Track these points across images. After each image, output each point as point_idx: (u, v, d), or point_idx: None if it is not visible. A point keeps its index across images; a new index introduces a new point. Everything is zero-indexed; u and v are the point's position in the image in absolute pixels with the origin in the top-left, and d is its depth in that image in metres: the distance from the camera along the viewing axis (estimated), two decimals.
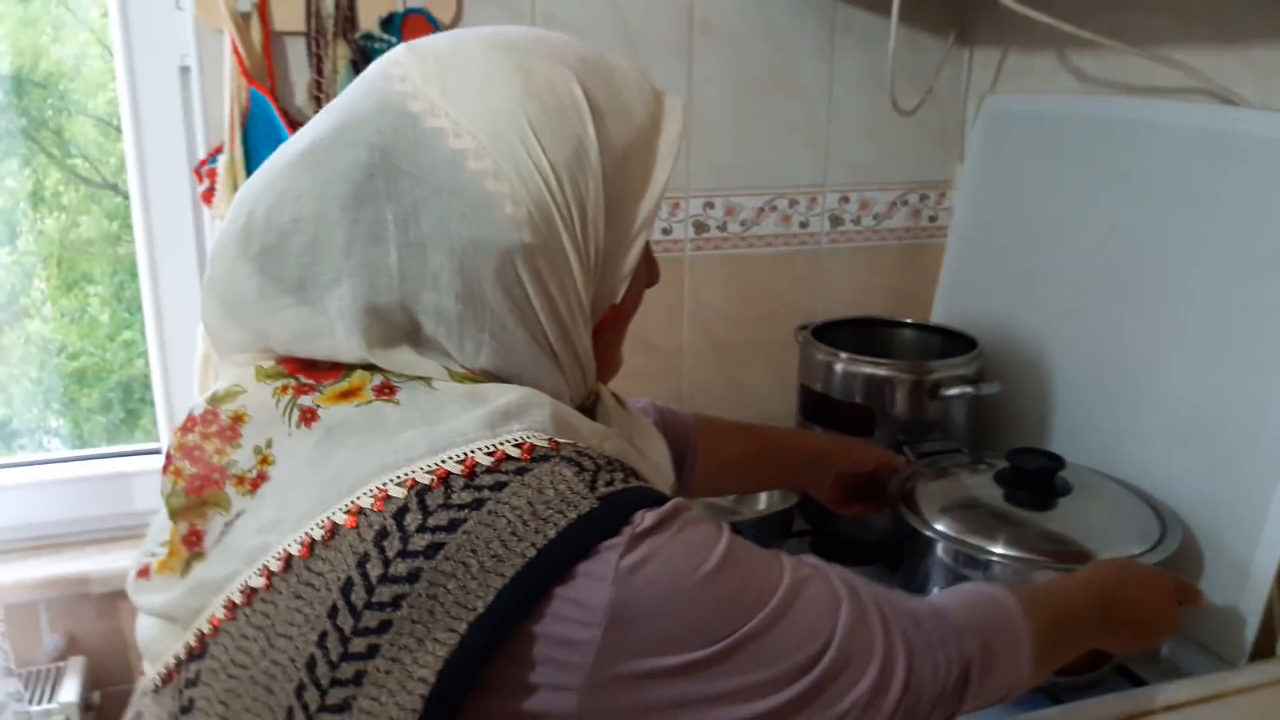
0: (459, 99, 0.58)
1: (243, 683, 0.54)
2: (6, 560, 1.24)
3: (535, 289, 0.59)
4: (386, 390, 0.59)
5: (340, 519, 0.54)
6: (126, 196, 1.47)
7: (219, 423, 0.61)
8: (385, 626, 0.52)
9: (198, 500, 0.59)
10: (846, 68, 1.38)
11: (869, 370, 1.19)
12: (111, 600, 1.23)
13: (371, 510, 0.54)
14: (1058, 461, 1.00)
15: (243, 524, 0.57)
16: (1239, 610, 0.95)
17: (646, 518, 0.55)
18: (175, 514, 0.60)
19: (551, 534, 0.52)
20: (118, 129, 1.41)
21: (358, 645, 0.52)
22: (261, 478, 0.58)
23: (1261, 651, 0.96)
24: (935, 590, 0.98)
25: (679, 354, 1.40)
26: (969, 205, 1.39)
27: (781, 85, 1.36)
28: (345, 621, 0.52)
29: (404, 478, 0.55)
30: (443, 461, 0.55)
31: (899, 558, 1.12)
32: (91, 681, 1.23)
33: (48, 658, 1.25)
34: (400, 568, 0.52)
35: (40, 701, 1.17)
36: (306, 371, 0.61)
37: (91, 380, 1.53)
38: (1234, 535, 0.97)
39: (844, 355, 1.21)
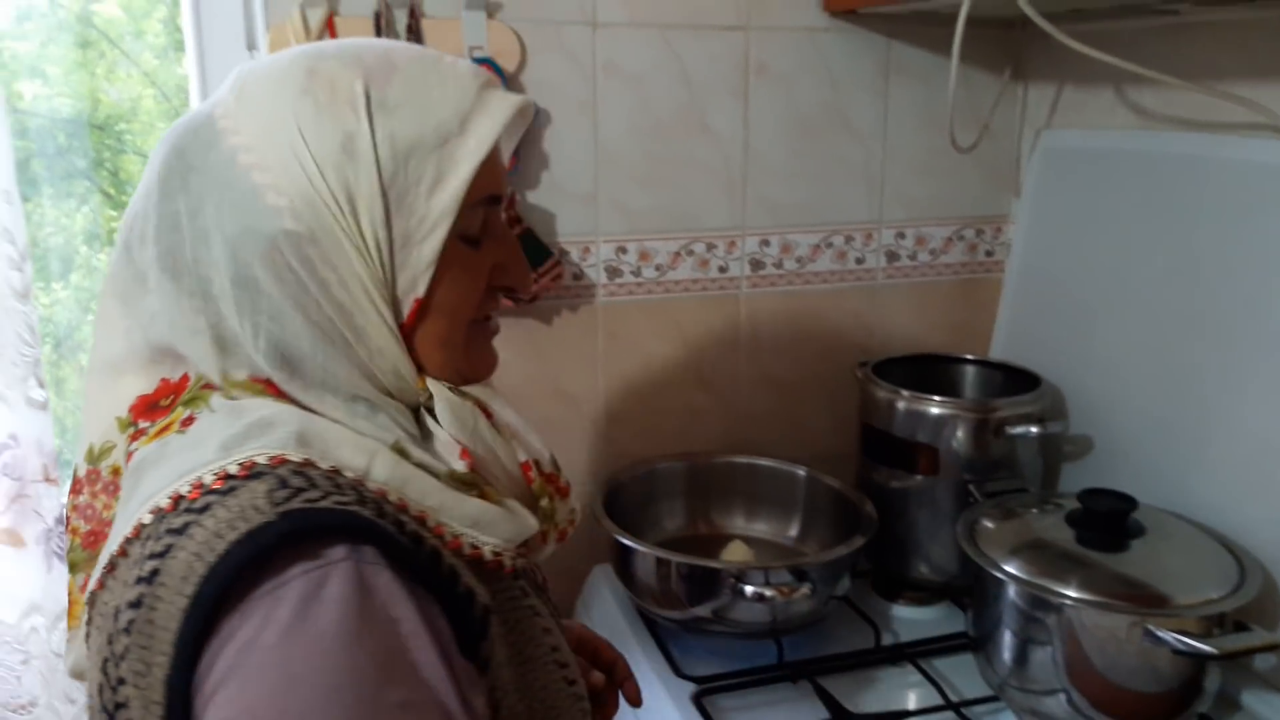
0: (246, 102, 0.62)
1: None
2: None
3: (308, 275, 0.60)
4: (187, 423, 0.61)
5: (115, 549, 0.58)
6: None
7: (102, 479, 0.64)
8: (126, 652, 0.53)
9: (93, 554, 0.64)
10: (901, 105, 1.38)
11: (932, 409, 1.19)
12: None
13: (132, 538, 0.57)
14: (1130, 503, 0.99)
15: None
16: None
17: (341, 551, 0.53)
18: (74, 568, 0.65)
19: (221, 549, 0.52)
20: None
21: (115, 673, 0.54)
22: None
23: None
24: (1007, 634, 0.98)
25: (735, 390, 1.41)
26: (1026, 239, 1.39)
27: (836, 124, 1.37)
28: (114, 647, 0.55)
29: (154, 505, 0.57)
30: (180, 487, 0.56)
31: (966, 599, 1.11)
32: None
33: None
34: (133, 594, 0.54)
35: None
36: (149, 414, 0.64)
37: None
38: None
39: (906, 393, 1.21)
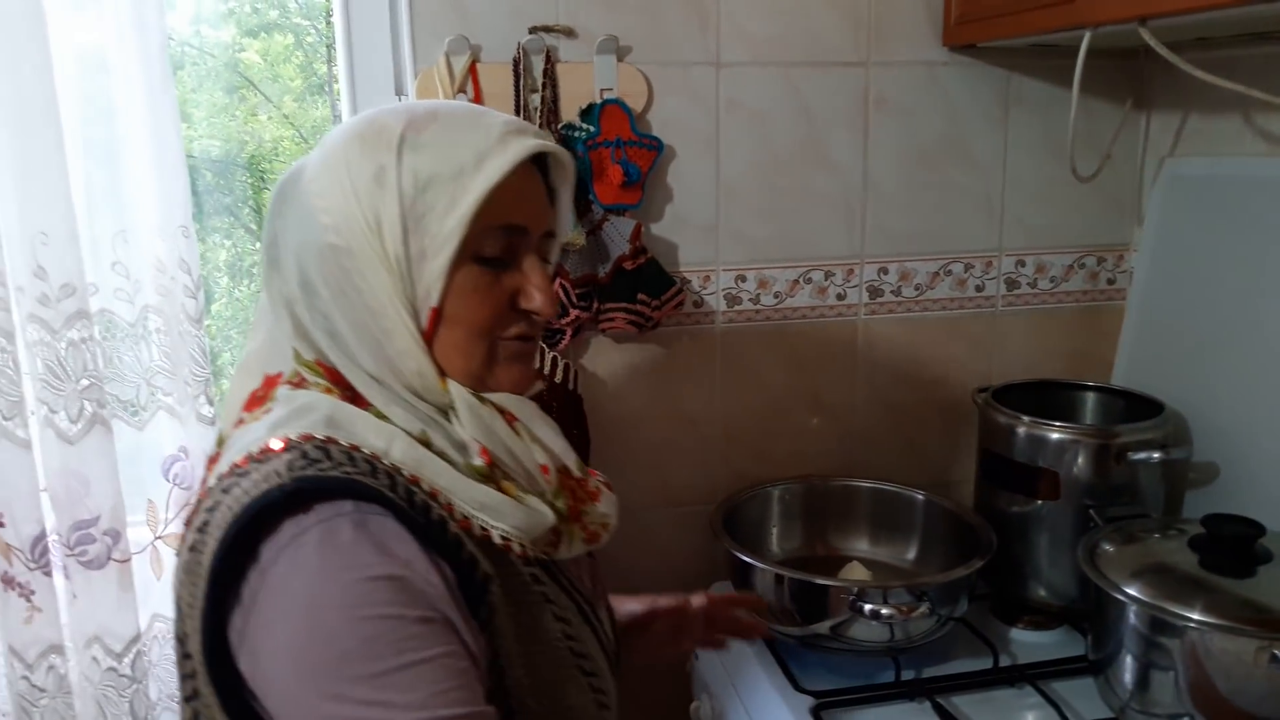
0: (322, 145, 0.76)
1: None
2: None
3: (347, 283, 0.72)
4: (266, 412, 0.74)
5: (192, 509, 0.72)
6: None
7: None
8: (182, 588, 0.69)
9: None
10: (1020, 135, 1.41)
11: (1054, 435, 1.20)
12: None
13: (201, 499, 0.71)
14: (1258, 528, 0.98)
15: None
16: None
17: (320, 513, 0.64)
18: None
19: (246, 505, 0.65)
20: None
21: (179, 605, 0.69)
22: None
23: None
24: (1129, 657, 0.98)
25: (851, 414, 1.44)
26: (1150, 267, 1.38)
27: (956, 154, 1.40)
28: (177, 583, 0.70)
29: (219, 473, 0.71)
30: (236, 459, 0.69)
31: (1085, 623, 1.12)
32: None
33: None
34: (190, 540, 0.69)
35: None
36: (251, 405, 0.77)
37: None
38: None
39: (1026, 419, 1.22)
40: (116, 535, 1.12)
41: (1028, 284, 1.46)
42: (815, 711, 1.07)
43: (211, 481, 0.71)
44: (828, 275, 1.40)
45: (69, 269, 1.06)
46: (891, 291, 1.42)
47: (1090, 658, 1.06)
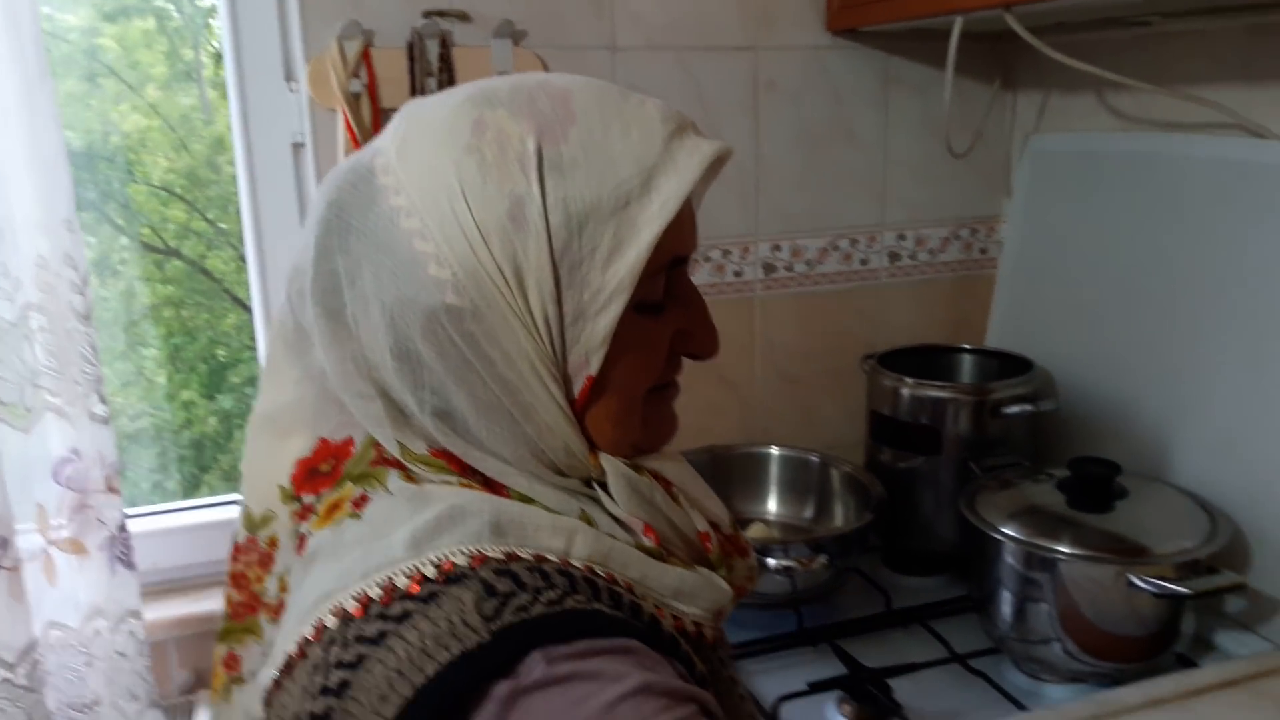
0: (408, 155, 0.58)
1: None
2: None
3: (472, 351, 0.56)
4: (360, 502, 0.58)
5: (293, 649, 0.54)
6: (189, 262, 1.58)
7: (258, 550, 0.62)
8: None
9: (240, 626, 0.63)
10: (899, 116, 1.49)
11: (934, 394, 1.29)
12: None
13: (313, 642, 0.53)
14: (1115, 468, 1.09)
15: (261, 653, 0.62)
16: (1276, 594, 1.04)
17: (538, 664, 0.48)
18: (220, 637, 0.64)
19: (431, 672, 0.48)
20: (178, 196, 1.53)
21: None
22: (281, 606, 0.60)
23: None
24: (1005, 592, 1.07)
25: (751, 387, 1.51)
26: (1018, 237, 1.49)
27: (840, 135, 1.47)
28: None
29: (336, 606, 0.53)
30: (367, 588, 0.52)
31: (966, 568, 1.21)
32: None
33: (177, 692, 1.35)
34: (319, 706, 0.50)
35: None
36: (311, 484, 0.61)
37: (150, 441, 1.60)
38: (1270, 525, 1.05)
39: (910, 380, 1.31)
40: (4, 542, 1.09)
41: (908, 256, 1.55)
42: None
43: (329, 619, 0.53)
44: (725, 254, 1.46)
45: None
46: (785, 268, 1.49)
47: (973, 596, 1.16)
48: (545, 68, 1.32)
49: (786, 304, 1.50)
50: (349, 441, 0.60)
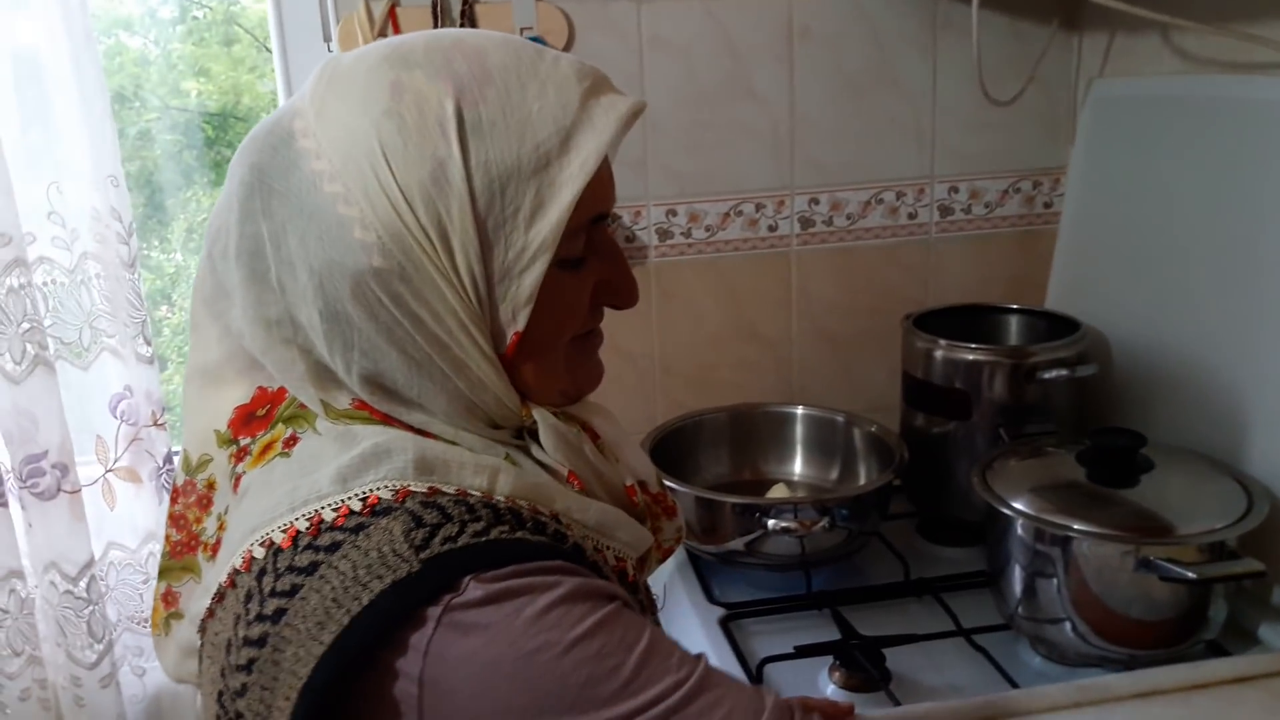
0: (327, 119, 0.58)
1: None
2: None
3: (400, 311, 0.58)
4: (291, 443, 0.61)
5: (224, 579, 0.58)
6: None
7: (196, 492, 0.65)
8: (244, 690, 0.53)
9: (179, 565, 0.67)
10: (949, 61, 1.41)
11: (967, 356, 1.23)
12: None
13: (242, 571, 0.56)
14: (1139, 439, 1.01)
15: (201, 589, 0.63)
16: None
17: (471, 587, 0.51)
18: (161, 574, 0.68)
19: (365, 600, 0.50)
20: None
21: (231, 707, 0.54)
22: (219, 544, 0.62)
23: None
24: (1016, 567, 1.02)
25: (788, 345, 1.47)
26: (1079, 189, 1.39)
27: (883, 82, 1.40)
28: (228, 681, 0.54)
29: (264, 538, 0.56)
30: (295, 520, 0.55)
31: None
32: None
33: None
34: (255, 630, 0.53)
35: None
36: (248, 427, 0.63)
37: None
38: None
39: (943, 342, 1.25)
40: (65, 469, 1.19)
41: (961, 210, 1.47)
42: (724, 622, 1.12)
43: (257, 550, 0.56)
44: (758, 208, 1.42)
45: (4, 220, 1.12)
46: (823, 222, 1.44)
47: (987, 570, 1.10)
48: (569, 21, 1.30)
49: (826, 259, 1.45)
50: (283, 390, 0.63)
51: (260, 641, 0.53)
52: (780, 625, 1.12)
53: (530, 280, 0.59)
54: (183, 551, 0.68)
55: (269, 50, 1.46)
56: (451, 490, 0.56)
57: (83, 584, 1.23)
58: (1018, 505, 1.01)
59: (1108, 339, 1.28)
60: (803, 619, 1.13)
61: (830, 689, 0.99)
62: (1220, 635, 0.98)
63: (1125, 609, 0.95)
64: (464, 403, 0.61)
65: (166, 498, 1.29)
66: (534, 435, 0.64)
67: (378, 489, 0.55)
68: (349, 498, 0.55)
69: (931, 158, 1.44)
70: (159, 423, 1.26)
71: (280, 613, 0.52)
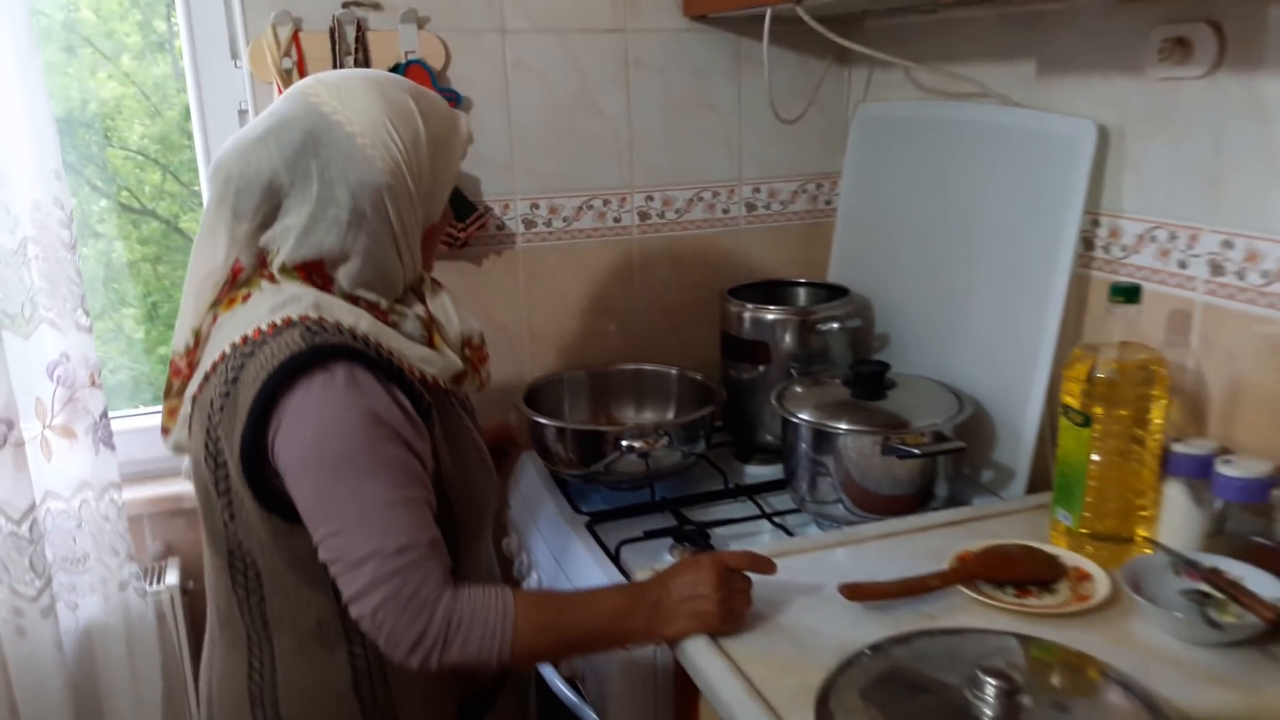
0: (349, 106, 0.99)
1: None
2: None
3: (394, 211, 1.00)
4: (246, 298, 1.00)
5: (209, 367, 0.99)
6: (165, 221, 1.78)
7: (190, 354, 1.05)
8: (220, 423, 0.96)
9: (182, 386, 1.05)
10: (750, 88, 1.78)
11: (766, 315, 1.59)
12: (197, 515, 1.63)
13: (219, 361, 0.98)
14: (885, 366, 1.39)
15: (188, 395, 1.04)
16: (1013, 465, 1.35)
17: (339, 367, 0.93)
18: (167, 395, 1.07)
19: (275, 364, 0.92)
20: (153, 160, 1.73)
21: (214, 434, 0.96)
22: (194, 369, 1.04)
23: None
24: (803, 463, 1.37)
25: (632, 315, 1.80)
26: (848, 190, 1.79)
27: (701, 104, 1.76)
28: (213, 417, 0.96)
29: (232, 342, 0.97)
30: (246, 333, 0.96)
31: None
32: (185, 574, 1.64)
33: (151, 558, 1.65)
34: (223, 389, 0.96)
35: (151, 585, 1.58)
36: (227, 300, 1.01)
37: (129, 394, 1.80)
38: (1010, 413, 1.36)
39: (750, 307, 1.60)
40: (10, 424, 1.37)
41: (763, 206, 1.84)
42: (590, 525, 1.42)
43: (226, 349, 0.97)
44: (605, 203, 1.74)
45: None
46: (657, 215, 1.78)
47: (784, 472, 1.46)
48: (446, 48, 1.58)
49: (660, 245, 1.79)
50: (240, 269, 1.02)
51: (226, 394, 0.95)
52: (633, 524, 1.43)
53: (445, 196, 1.08)
54: (180, 387, 1.05)
55: (105, 56, 1.61)
56: (331, 321, 0.96)
57: (25, 526, 1.41)
58: (803, 416, 1.37)
59: (870, 301, 1.68)
60: (650, 520, 1.44)
61: (668, 559, 1.32)
62: (944, 505, 1.37)
63: (878, 487, 1.32)
64: (408, 269, 1.04)
65: (102, 449, 1.49)
66: (418, 295, 1.07)
67: (290, 315, 0.96)
68: (275, 320, 0.96)
69: (739, 164, 1.81)
70: (95, 383, 1.46)
71: (235, 380, 0.95)
